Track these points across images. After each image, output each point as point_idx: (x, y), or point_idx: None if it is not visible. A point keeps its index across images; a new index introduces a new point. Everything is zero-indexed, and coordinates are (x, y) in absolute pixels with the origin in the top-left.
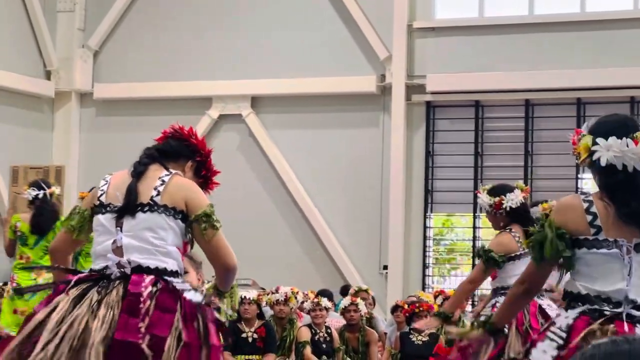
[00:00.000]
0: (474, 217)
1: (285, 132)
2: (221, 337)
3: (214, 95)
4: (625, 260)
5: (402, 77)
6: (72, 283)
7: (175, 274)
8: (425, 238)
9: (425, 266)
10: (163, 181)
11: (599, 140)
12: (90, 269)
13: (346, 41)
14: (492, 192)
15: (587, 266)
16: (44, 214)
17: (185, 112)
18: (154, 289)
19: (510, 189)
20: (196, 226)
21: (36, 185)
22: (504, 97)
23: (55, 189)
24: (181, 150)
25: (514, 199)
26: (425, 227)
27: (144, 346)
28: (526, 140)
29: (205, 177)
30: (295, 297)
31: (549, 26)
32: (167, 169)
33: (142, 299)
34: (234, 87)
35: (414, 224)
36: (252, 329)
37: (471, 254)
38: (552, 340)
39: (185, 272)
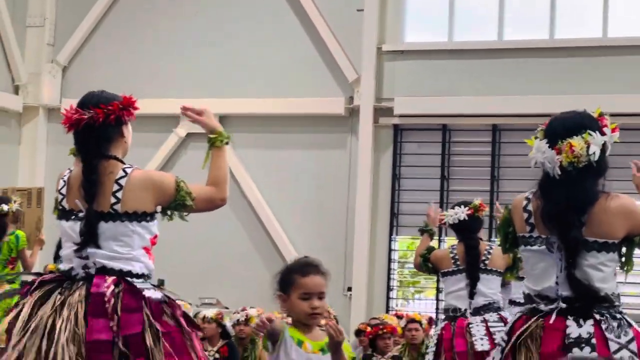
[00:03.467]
0: (439, 241)
1: (252, 152)
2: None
3: (180, 113)
4: (556, 257)
5: (370, 99)
6: (36, 285)
7: (141, 276)
8: (390, 261)
9: (389, 289)
10: (120, 185)
11: (535, 141)
12: (57, 269)
13: (315, 62)
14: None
15: (527, 264)
16: None
17: (152, 130)
18: (117, 289)
19: (461, 205)
20: (175, 210)
21: None
22: (471, 122)
23: (4, 206)
24: (112, 130)
25: (453, 216)
26: (390, 250)
27: (119, 343)
28: (493, 165)
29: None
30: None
31: (518, 52)
32: (117, 159)
33: (106, 299)
34: (200, 106)
35: (379, 247)
36: (215, 349)
37: (435, 278)
38: (499, 345)
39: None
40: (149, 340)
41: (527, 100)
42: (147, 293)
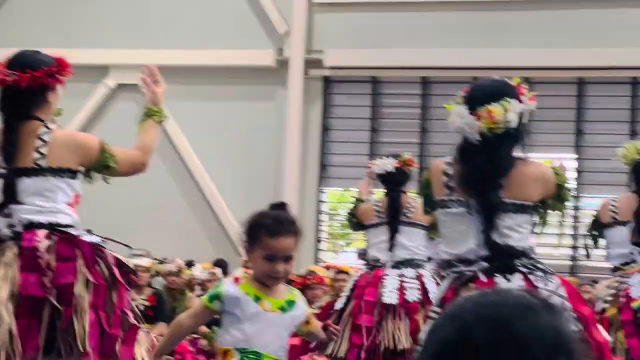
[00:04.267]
0: (369, 193)
1: (182, 104)
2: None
3: (111, 64)
4: (475, 220)
5: (300, 51)
6: None
7: (70, 227)
8: (319, 212)
9: (318, 241)
10: (44, 141)
11: (454, 106)
12: None
13: (245, 14)
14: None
15: (444, 227)
16: None
17: (80, 80)
18: (51, 241)
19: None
20: (97, 172)
21: None
22: (401, 74)
23: None
24: (39, 94)
25: (380, 166)
26: (319, 202)
27: (52, 299)
28: (422, 118)
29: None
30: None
31: (449, 5)
32: (39, 119)
33: (37, 253)
34: (131, 56)
35: (308, 199)
36: (143, 297)
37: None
38: (432, 319)
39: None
40: (77, 290)
41: (458, 53)
42: (84, 237)
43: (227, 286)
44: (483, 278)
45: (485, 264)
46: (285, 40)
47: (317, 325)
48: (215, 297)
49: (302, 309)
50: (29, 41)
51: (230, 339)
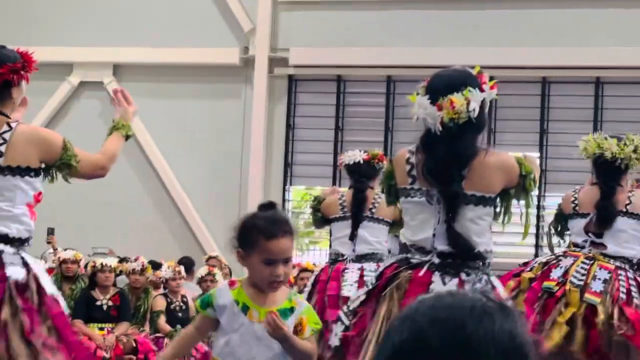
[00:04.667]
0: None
1: (146, 101)
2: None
3: (74, 61)
4: (435, 210)
5: (265, 49)
6: None
7: (17, 240)
8: (284, 211)
9: None
10: (4, 139)
11: (417, 97)
12: None
13: (210, 12)
14: None
15: (406, 215)
16: None
17: (44, 78)
18: None
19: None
20: (58, 171)
21: None
22: (366, 73)
23: None
24: (3, 90)
25: (350, 157)
26: (284, 200)
27: None
28: (387, 117)
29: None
30: (155, 269)
31: (414, 3)
32: (2, 114)
33: None
34: (95, 54)
35: (273, 197)
36: (107, 297)
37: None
38: (365, 286)
39: None
40: (4, 315)
41: (422, 51)
42: (9, 271)
43: (217, 292)
44: (422, 272)
45: (435, 260)
46: (250, 39)
47: (307, 340)
48: (207, 304)
49: (296, 318)
50: None
51: (218, 348)
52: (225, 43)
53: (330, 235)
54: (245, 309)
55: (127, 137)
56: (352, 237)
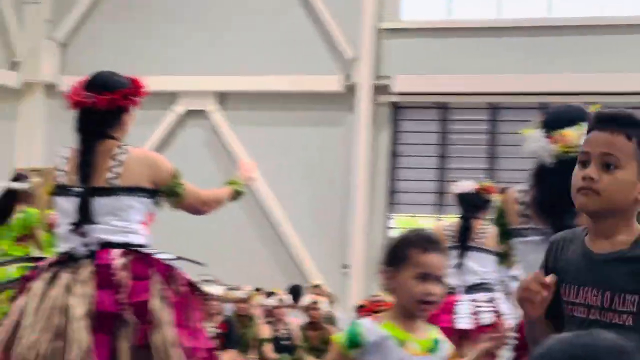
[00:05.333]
0: (437, 219)
1: (250, 129)
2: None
3: (179, 90)
4: None
5: (368, 77)
6: (43, 266)
7: (141, 246)
8: (387, 238)
9: None
10: (118, 161)
11: (529, 131)
12: (58, 252)
13: (313, 40)
14: None
15: (521, 256)
16: None
17: (150, 107)
18: (126, 259)
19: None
20: (164, 197)
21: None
22: (469, 100)
23: (15, 184)
24: (115, 115)
25: (460, 186)
26: (387, 228)
27: (126, 315)
28: (490, 143)
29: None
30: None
31: (517, 30)
32: (114, 138)
33: (112, 271)
34: (199, 83)
35: (376, 224)
36: (213, 325)
37: None
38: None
39: None
40: (156, 308)
41: (525, 78)
42: (158, 256)
43: (365, 330)
44: None
45: None
46: (353, 66)
47: None
48: (355, 343)
49: (447, 348)
50: (100, 69)
51: None
52: (328, 71)
53: None
54: (401, 342)
55: (237, 194)
56: (459, 266)
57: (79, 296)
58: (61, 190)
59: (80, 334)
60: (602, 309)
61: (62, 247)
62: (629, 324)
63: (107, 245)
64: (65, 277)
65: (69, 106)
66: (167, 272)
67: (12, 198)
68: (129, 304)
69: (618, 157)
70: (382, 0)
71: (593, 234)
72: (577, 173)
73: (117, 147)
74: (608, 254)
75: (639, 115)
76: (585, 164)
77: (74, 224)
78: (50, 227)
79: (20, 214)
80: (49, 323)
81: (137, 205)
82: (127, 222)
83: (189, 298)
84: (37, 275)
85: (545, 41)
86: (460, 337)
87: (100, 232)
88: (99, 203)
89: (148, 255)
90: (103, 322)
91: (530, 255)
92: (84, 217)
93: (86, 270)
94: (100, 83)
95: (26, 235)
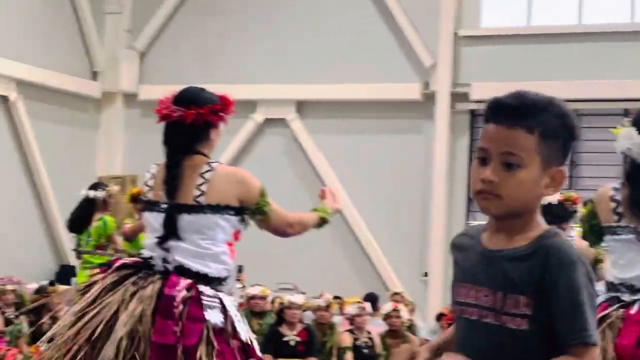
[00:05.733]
0: None
1: (329, 137)
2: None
3: (258, 99)
4: None
5: (447, 85)
6: (114, 267)
7: (216, 280)
8: None
9: None
10: (205, 179)
11: (622, 129)
12: (139, 255)
13: (392, 48)
14: None
15: (613, 254)
16: (73, 215)
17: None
18: (187, 294)
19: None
20: (251, 215)
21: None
22: None
23: (91, 192)
24: (202, 130)
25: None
26: None
27: (179, 350)
28: (572, 151)
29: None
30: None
31: (598, 36)
32: (202, 154)
33: (175, 303)
34: (279, 91)
35: (455, 231)
36: (294, 333)
37: None
38: None
39: None
40: (200, 354)
41: (608, 84)
42: (208, 315)
43: None
44: (633, 310)
45: None
46: (431, 74)
47: None
48: None
49: None
50: (178, 78)
51: None
52: (407, 79)
53: None
54: None
55: (323, 221)
56: None
57: (130, 313)
58: (148, 205)
59: (109, 352)
60: (495, 310)
61: (146, 253)
62: (524, 329)
63: (181, 271)
64: (128, 287)
65: (157, 119)
66: (222, 324)
67: (91, 206)
68: (180, 344)
69: (520, 156)
70: (461, 8)
71: (493, 231)
72: (475, 171)
73: (205, 164)
74: (505, 251)
75: (539, 98)
76: (484, 161)
77: (159, 237)
78: (125, 236)
79: (98, 222)
80: (88, 328)
81: (224, 223)
82: (212, 241)
83: (236, 351)
84: (105, 274)
85: (628, 47)
86: None
87: (182, 252)
88: (185, 220)
89: (203, 305)
90: (159, 354)
91: (623, 254)
92: (169, 232)
93: (154, 287)
94: (188, 98)
95: (104, 244)
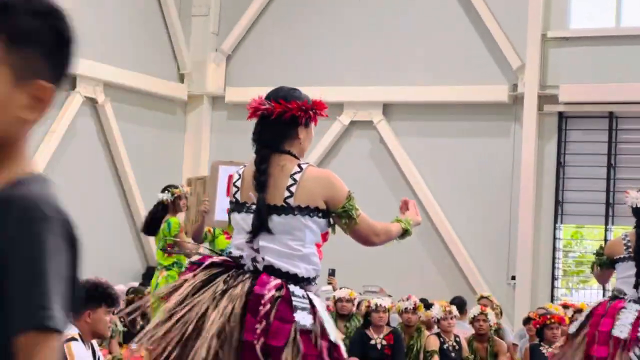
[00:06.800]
0: (605, 230)
1: (415, 140)
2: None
3: (345, 101)
4: None
5: (534, 87)
6: (204, 266)
7: (306, 280)
8: (554, 249)
9: (553, 278)
10: (295, 180)
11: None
12: (228, 254)
13: (479, 50)
14: None
15: None
16: (147, 218)
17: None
18: (277, 294)
19: None
20: (337, 219)
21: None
22: (638, 109)
23: (160, 195)
24: (285, 127)
25: (634, 199)
26: (554, 238)
27: (257, 348)
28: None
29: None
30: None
31: None
32: (291, 154)
33: (262, 302)
34: (365, 94)
35: (543, 235)
36: (381, 336)
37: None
38: None
39: None
40: (286, 356)
41: None
42: (297, 316)
43: None
44: None
45: None
46: (519, 76)
47: None
48: None
49: None
50: (264, 80)
51: None
52: (494, 81)
53: (616, 274)
54: None
55: (405, 232)
56: (637, 284)
57: (221, 312)
58: (236, 206)
59: (202, 352)
60: None
61: (235, 252)
62: None
63: (271, 270)
64: (218, 285)
65: (247, 115)
66: (310, 326)
67: (162, 209)
68: (265, 342)
69: None
70: (549, 9)
71: None
72: None
73: (295, 165)
74: None
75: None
76: None
77: (249, 233)
78: (192, 238)
79: (163, 224)
80: (179, 327)
81: (312, 225)
82: (301, 242)
83: (324, 352)
84: (193, 272)
85: None
86: (615, 344)
87: (271, 253)
88: (275, 221)
89: (300, 297)
90: (251, 351)
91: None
92: (259, 229)
93: (244, 286)
94: (280, 94)
95: (171, 245)
